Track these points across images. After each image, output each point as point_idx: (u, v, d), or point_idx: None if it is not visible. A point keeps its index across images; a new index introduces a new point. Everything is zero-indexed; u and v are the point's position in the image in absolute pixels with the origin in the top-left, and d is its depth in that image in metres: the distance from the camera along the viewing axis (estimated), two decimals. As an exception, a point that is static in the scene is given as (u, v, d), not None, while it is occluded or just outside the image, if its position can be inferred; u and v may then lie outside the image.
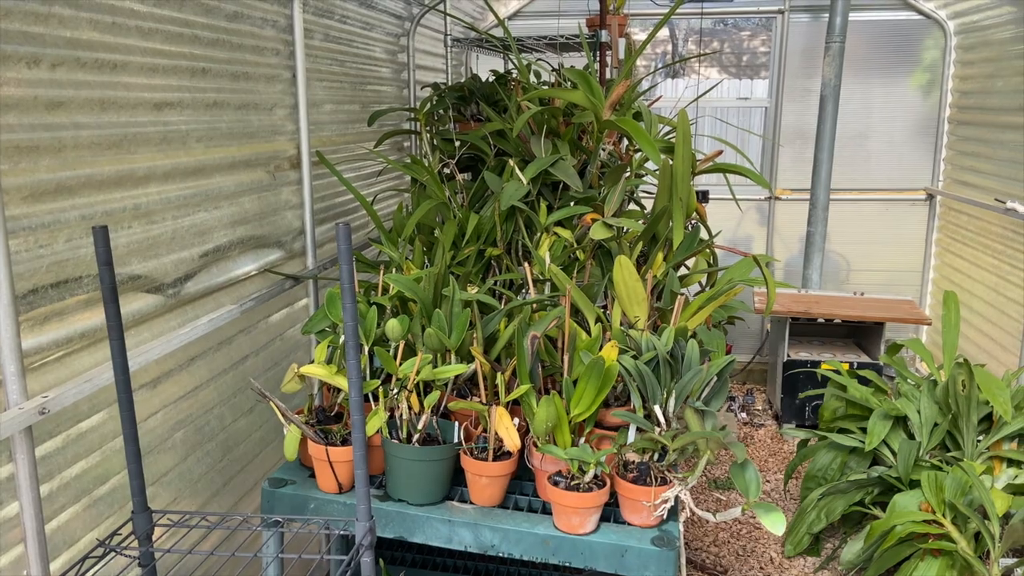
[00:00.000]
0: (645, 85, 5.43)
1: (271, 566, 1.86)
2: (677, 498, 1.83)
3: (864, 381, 3.67)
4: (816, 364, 4.28)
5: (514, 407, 2.00)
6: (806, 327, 4.58)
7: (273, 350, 2.57)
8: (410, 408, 1.93)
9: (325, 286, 2.86)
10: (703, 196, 4.64)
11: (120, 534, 1.32)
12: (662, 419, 1.89)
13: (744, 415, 4.68)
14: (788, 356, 4.41)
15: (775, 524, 1.61)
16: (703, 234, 3.05)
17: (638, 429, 1.90)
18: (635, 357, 1.95)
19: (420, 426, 1.89)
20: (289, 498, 1.89)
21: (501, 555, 1.83)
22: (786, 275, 5.33)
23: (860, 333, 4.61)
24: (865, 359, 4.34)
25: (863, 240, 5.16)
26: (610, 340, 1.98)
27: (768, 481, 3.98)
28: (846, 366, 4.16)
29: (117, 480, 1.76)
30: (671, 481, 1.83)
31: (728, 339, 5.25)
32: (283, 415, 1.86)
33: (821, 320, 4.37)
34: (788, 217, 5.21)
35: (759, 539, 3.48)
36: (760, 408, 4.84)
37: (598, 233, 2.40)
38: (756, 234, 5.34)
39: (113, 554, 1.29)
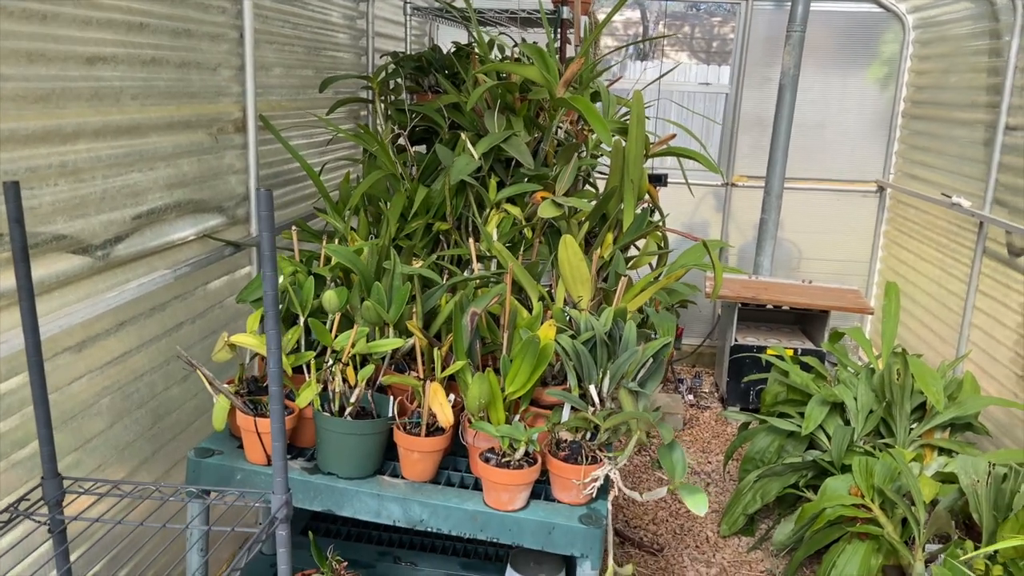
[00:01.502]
0: (612, 65, 5.41)
1: (194, 538, 1.83)
2: (608, 477, 1.84)
3: (806, 368, 3.74)
4: (762, 349, 4.34)
5: (451, 383, 1.99)
6: (755, 312, 4.65)
7: (211, 318, 2.51)
8: (345, 381, 1.91)
9: (269, 254, 2.80)
10: (661, 180, 4.66)
11: (28, 499, 1.28)
12: (596, 399, 1.89)
13: (691, 397, 4.74)
14: (736, 340, 4.47)
15: (698, 505, 1.63)
16: (656, 217, 3.06)
17: (572, 408, 1.90)
18: (573, 337, 1.94)
19: (353, 399, 1.87)
20: (215, 468, 1.86)
21: (430, 530, 1.82)
22: (740, 261, 5.39)
23: (806, 320, 4.69)
24: (810, 346, 4.42)
25: (815, 229, 5.23)
26: (551, 319, 1.97)
27: (710, 462, 4.05)
28: (791, 352, 4.23)
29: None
30: (601, 460, 1.84)
31: (680, 322, 5.30)
32: (211, 384, 1.83)
33: (770, 306, 4.43)
34: (744, 204, 5.26)
35: (696, 519, 3.54)
36: (707, 391, 4.90)
37: (546, 211, 2.38)
38: (712, 220, 5.38)
39: (21, 518, 1.25)
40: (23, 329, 1.26)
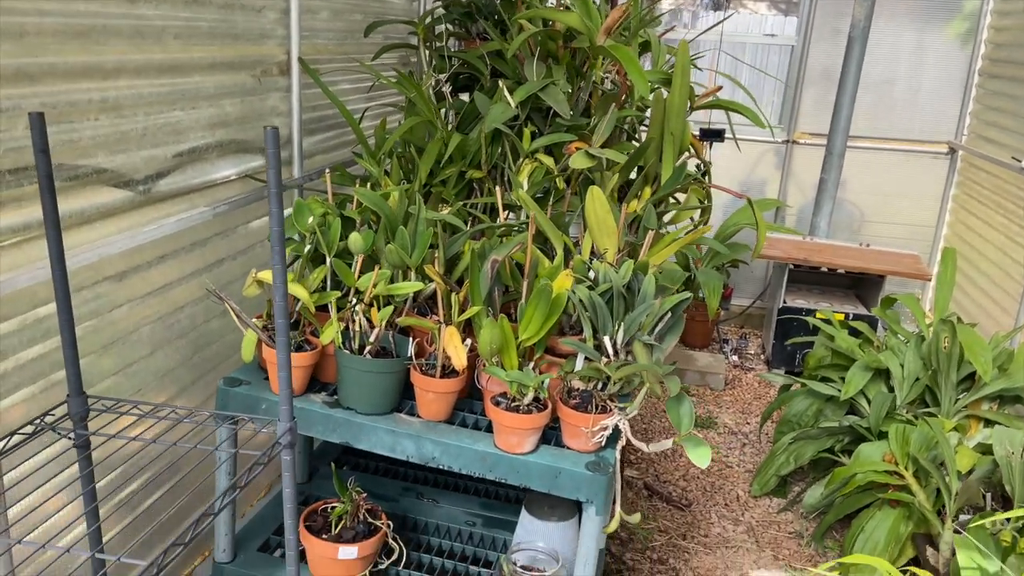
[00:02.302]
0: (681, 18, 5.25)
1: (222, 459, 1.94)
2: (617, 427, 1.86)
3: (855, 333, 3.64)
4: (811, 313, 4.25)
5: (471, 329, 2.03)
6: (808, 275, 4.53)
7: (252, 256, 2.60)
8: (369, 322, 1.97)
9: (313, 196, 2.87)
10: (719, 135, 4.55)
11: (53, 414, 1.38)
12: (611, 350, 1.90)
13: (735, 358, 4.69)
14: (784, 302, 4.38)
15: (700, 458, 1.63)
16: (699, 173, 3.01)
17: (586, 359, 1.91)
18: (591, 288, 1.95)
19: (372, 339, 1.93)
20: (242, 397, 1.95)
21: (441, 467, 1.88)
22: (798, 222, 5.24)
23: (861, 285, 4.55)
24: (862, 311, 4.30)
25: (879, 191, 5.04)
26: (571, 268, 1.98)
27: (748, 423, 4.02)
28: (841, 316, 4.13)
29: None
30: (611, 410, 1.86)
31: (731, 283, 5.22)
32: (238, 317, 1.91)
33: (824, 269, 4.32)
34: (806, 162, 5.09)
35: (728, 477, 3.53)
36: (753, 353, 4.84)
37: (578, 162, 2.37)
38: (771, 178, 5.23)
39: (45, 431, 1.35)
40: (49, 255, 1.34)
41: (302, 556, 2.08)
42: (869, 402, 3.16)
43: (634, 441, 1.83)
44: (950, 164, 4.87)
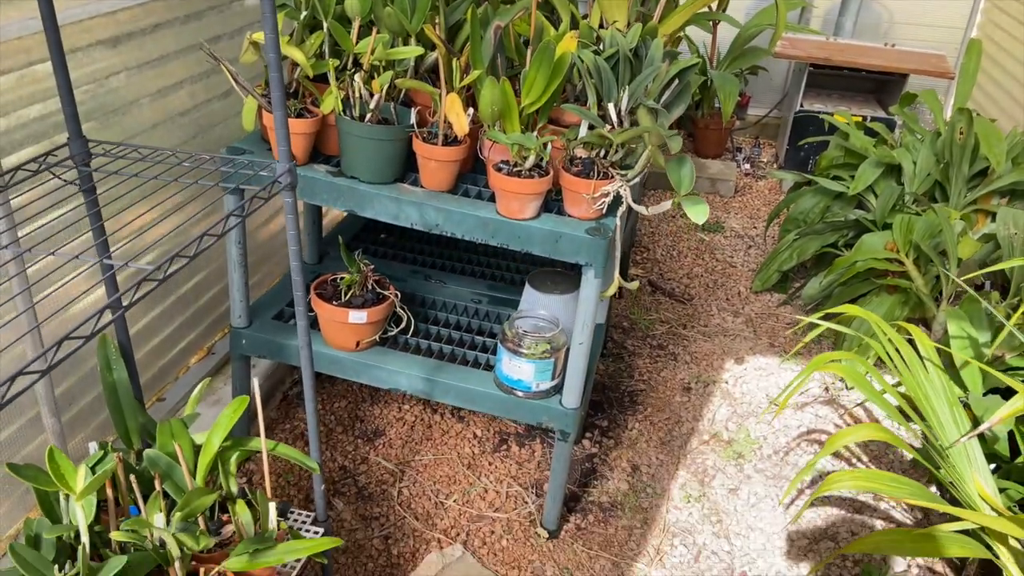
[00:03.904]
0: None
1: (231, 224, 1.98)
2: (618, 194, 1.87)
3: (871, 133, 3.57)
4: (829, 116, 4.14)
5: (474, 102, 1.99)
6: (828, 79, 4.38)
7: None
8: (369, 92, 1.93)
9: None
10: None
11: (56, 155, 1.39)
12: (614, 117, 1.88)
13: (747, 166, 4.63)
14: (801, 106, 4.27)
15: (698, 214, 1.65)
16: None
17: (589, 127, 1.89)
18: (597, 53, 1.89)
19: (373, 106, 1.90)
20: (245, 167, 1.96)
21: (444, 234, 1.92)
22: (824, 24, 4.98)
23: (883, 89, 4.40)
24: (881, 114, 4.19)
25: (910, -11, 4.75)
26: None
27: (755, 227, 4.04)
28: (858, 119, 4.03)
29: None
30: (613, 177, 1.86)
31: (748, 91, 5.06)
32: (235, 80, 1.88)
33: (846, 71, 4.16)
34: (835, -42, 4.77)
35: (731, 276, 3.60)
36: (765, 161, 4.77)
37: (587, -74, 2.22)
38: (797, -24, 4.92)
39: (47, 170, 1.37)
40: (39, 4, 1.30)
41: (313, 323, 2.18)
42: (877, 197, 3.15)
43: (634, 206, 1.84)
44: (990, -43, 4.54)
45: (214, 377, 2.46)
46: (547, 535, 2.23)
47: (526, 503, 2.33)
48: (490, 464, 2.47)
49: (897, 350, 1.89)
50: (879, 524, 2.33)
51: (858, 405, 2.81)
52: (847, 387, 2.88)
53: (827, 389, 2.89)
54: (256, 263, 2.72)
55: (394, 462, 2.43)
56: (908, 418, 2.02)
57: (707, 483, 2.47)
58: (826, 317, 2.77)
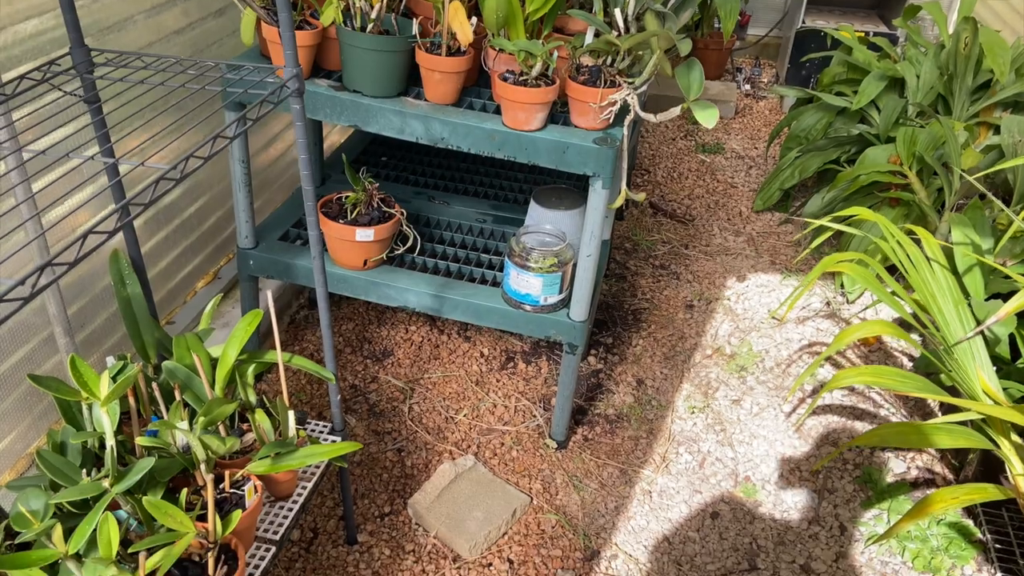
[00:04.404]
0: None
1: (235, 153, 1.96)
2: (625, 102, 1.85)
3: (875, 49, 3.52)
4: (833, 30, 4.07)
5: (477, 12, 1.95)
6: (830, -6, 4.29)
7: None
8: (370, 2, 1.89)
9: None
10: None
11: (59, 64, 1.37)
12: (621, 23, 1.84)
13: (748, 87, 4.58)
14: (803, 23, 4.19)
15: (708, 118, 1.64)
16: None
17: (595, 32, 1.86)
18: (601, -44, 1.85)
19: (374, 16, 1.86)
20: (245, 84, 1.93)
21: (450, 148, 1.90)
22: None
23: (884, 3, 4.32)
24: (883, 29, 4.12)
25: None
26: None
27: (756, 148, 4.01)
28: (861, 34, 3.96)
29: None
30: (620, 85, 1.84)
31: (748, 10, 4.96)
32: (233, -8, 1.83)
33: (846, -15, 4.08)
34: None
35: (732, 196, 3.60)
36: (766, 82, 4.72)
37: None
38: None
39: (48, 85, 1.35)
40: None
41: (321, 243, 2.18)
42: (880, 111, 3.12)
43: (642, 114, 1.83)
44: None
45: (222, 301, 2.47)
46: (556, 446, 2.28)
47: (534, 416, 2.38)
48: (498, 381, 2.50)
49: (905, 251, 1.91)
50: (879, 430, 2.38)
51: (858, 316, 2.85)
52: (848, 301, 2.91)
53: (828, 303, 2.93)
54: (255, 190, 2.70)
55: (403, 380, 2.47)
56: (915, 317, 2.05)
57: (711, 395, 2.52)
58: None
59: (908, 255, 1.90)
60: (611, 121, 1.88)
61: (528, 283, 2.06)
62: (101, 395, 1.32)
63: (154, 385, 1.49)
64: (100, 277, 2.02)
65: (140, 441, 1.38)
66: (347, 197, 2.13)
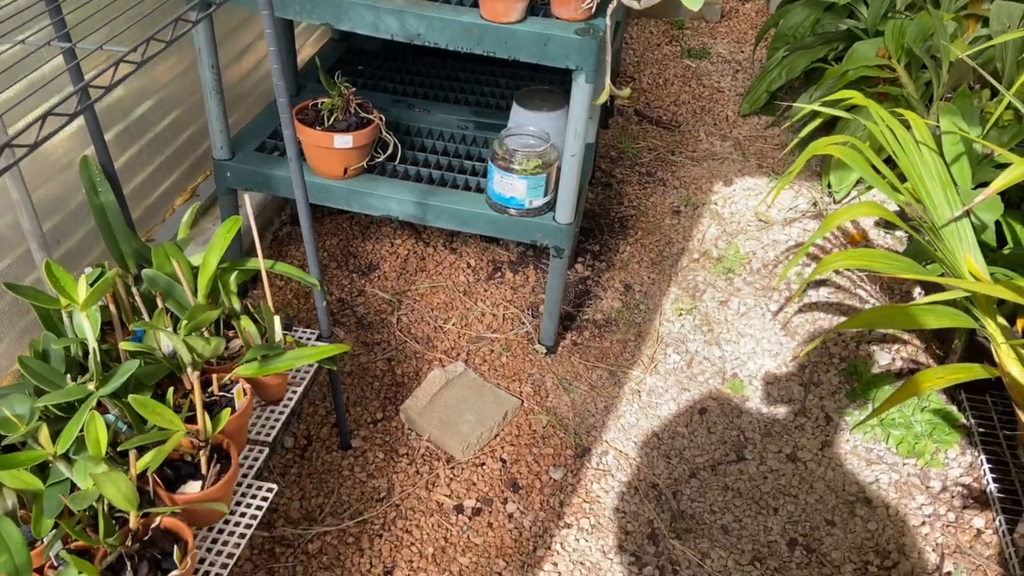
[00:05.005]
0: None
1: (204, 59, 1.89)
2: (607, -9, 1.78)
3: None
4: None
5: None
6: None
7: None
8: None
9: None
10: None
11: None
12: (600, -95, 1.76)
13: (733, -11, 4.44)
14: (790, -81, 4.04)
15: (693, 1, 1.58)
16: None
17: (574, -84, 1.78)
18: None
19: (341, -96, 1.77)
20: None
21: (427, 44, 1.84)
22: None
23: None
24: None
25: None
26: None
27: (743, 51, 3.93)
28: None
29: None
30: (601, -29, 1.77)
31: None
32: None
33: None
34: None
35: (718, 101, 3.53)
36: (752, -17, 4.58)
37: None
38: None
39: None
40: None
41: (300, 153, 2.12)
42: (868, 6, 3.04)
43: (625, 0, 1.76)
44: None
45: (202, 217, 2.43)
46: (545, 351, 2.29)
47: (523, 324, 2.38)
48: (485, 291, 2.50)
49: (894, 135, 1.88)
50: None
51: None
52: (835, 201, 2.89)
53: (815, 204, 2.91)
54: (229, 105, 2.62)
55: (391, 293, 2.46)
56: (902, 213, 2.04)
57: (698, 297, 2.53)
58: (820, 114, 2.74)
59: (898, 139, 1.87)
60: (593, 11, 1.82)
61: (512, 186, 2.02)
62: (79, 299, 1.29)
63: (135, 291, 1.46)
64: (75, 193, 1.97)
65: (124, 346, 1.37)
66: (323, 103, 2.07)
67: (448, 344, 2.30)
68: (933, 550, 1.85)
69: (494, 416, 2.04)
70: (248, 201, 1.58)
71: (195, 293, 1.53)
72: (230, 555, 1.34)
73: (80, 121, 1.83)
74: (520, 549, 1.81)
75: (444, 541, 1.81)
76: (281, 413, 1.62)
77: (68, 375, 1.32)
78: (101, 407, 1.31)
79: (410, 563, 1.76)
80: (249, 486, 1.48)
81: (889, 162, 2.47)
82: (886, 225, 2.76)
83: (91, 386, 1.25)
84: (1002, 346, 1.60)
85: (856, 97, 2.01)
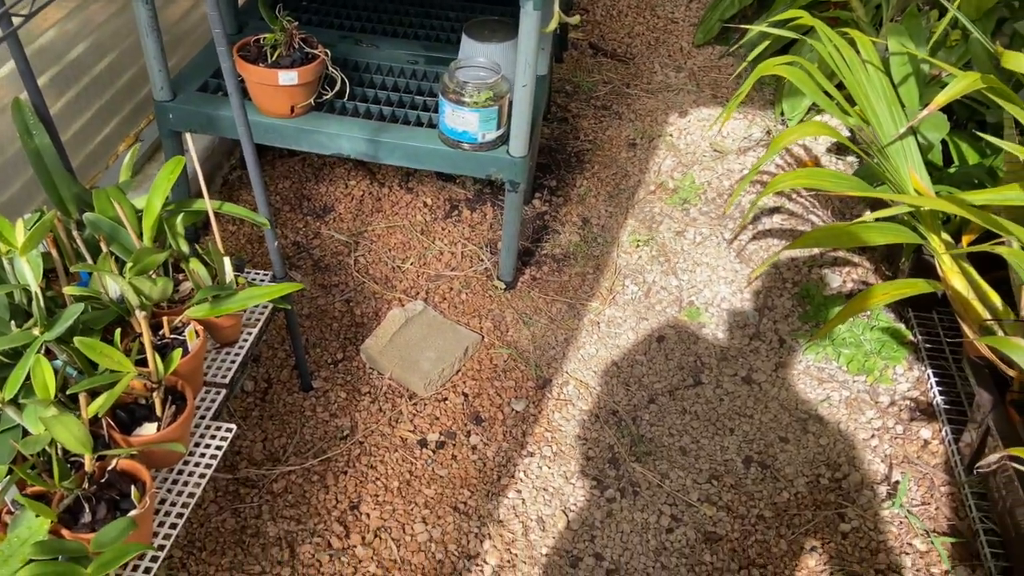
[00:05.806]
0: None
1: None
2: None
3: None
4: None
5: None
6: None
7: None
8: None
9: None
10: None
11: None
12: None
13: (686, -83, 4.36)
14: None
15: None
16: None
17: None
18: None
19: None
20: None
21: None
22: None
23: None
24: None
25: None
26: None
27: (696, -19, 3.87)
28: None
29: None
30: None
31: None
32: None
33: None
34: None
35: (673, 32, 3.50)
36: (705, -90, 4.50)
37: None
38: None
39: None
40: None
41: (244, 94, 2.07)
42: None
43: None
44: None
45: (148, 163, 2.37)
46: (504, 287, 2.30)
47: (482, 260, 2.38)
48: (443, 229, 2.48)
49: (841, 55, 1.89)
50: (816, 252, 2.44)
51: (798, 142, 2.86)
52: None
53: (769, 132, 2.92)
54: (167, 48, 2.53)
55: (347, 234, 2.43)
56: (852, 137, 2.06)
57: (655, 228, 2.54)
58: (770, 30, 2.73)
59: (845, 59, 1.88)
60: (538, -65, 1.77)
61: (464, 119, 2.00)
62: (18, 244, 1.26)
63: (76, 236, 1.43)
64: (10, 140, 1.90)
65: (68, 290, 1.34)
66: (265, 38, 2.01)
67: (407, 283, 2.29)
68: (882, 461, 1.92)
69: (455, 352, 2.06)
70: (192, 143, 1.54)
71: (140, 236, 1.50)
72: (191, 495, 1.35)
73: (12, 65, 1.76)
74: (484, 479, 1.84)
75: (409, 475, 1.84)
76: (237, 355, 1.61)
77: (13, 322, 1.30)
78: (50, 354, 1.29)
79: (375, 497, 1.78)
80: (208, 427, 1.47)
81: (841, 88, 2.48)
82: (838, 151, 2.79)
83: (36, 331, 1.23)
84: (944, 257, 1.64)
85: (804, 17, 2.01)
